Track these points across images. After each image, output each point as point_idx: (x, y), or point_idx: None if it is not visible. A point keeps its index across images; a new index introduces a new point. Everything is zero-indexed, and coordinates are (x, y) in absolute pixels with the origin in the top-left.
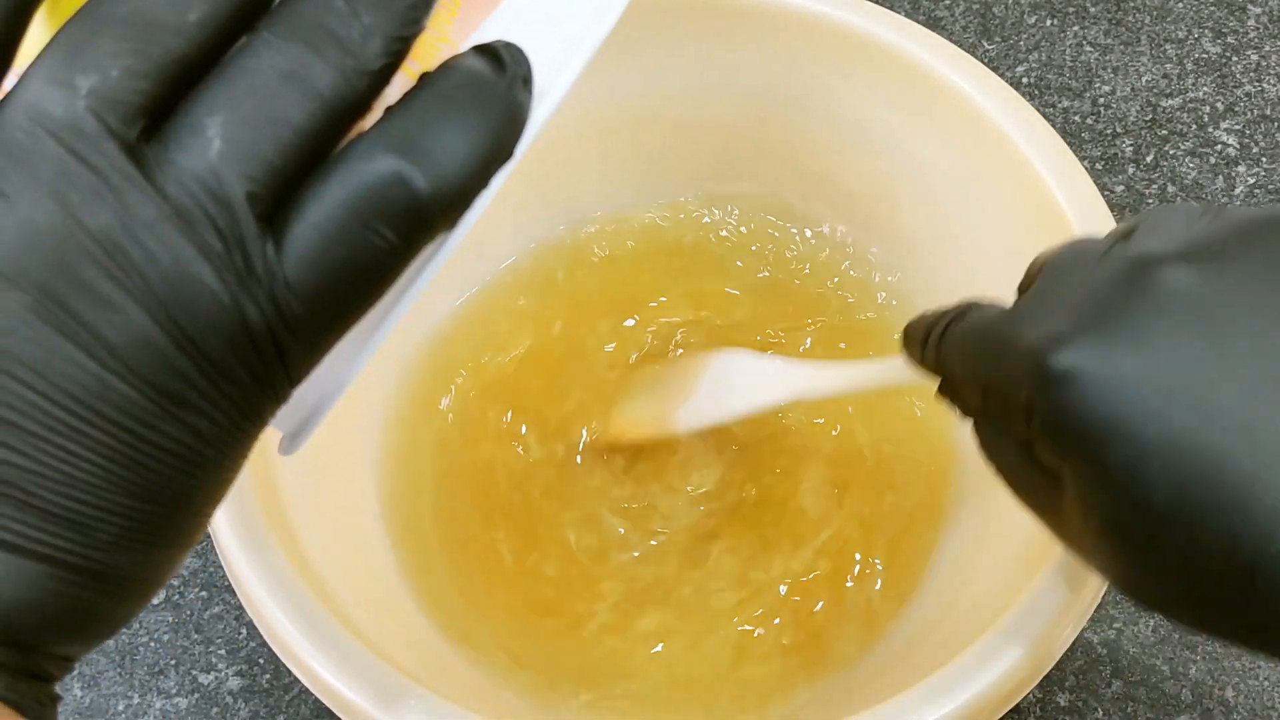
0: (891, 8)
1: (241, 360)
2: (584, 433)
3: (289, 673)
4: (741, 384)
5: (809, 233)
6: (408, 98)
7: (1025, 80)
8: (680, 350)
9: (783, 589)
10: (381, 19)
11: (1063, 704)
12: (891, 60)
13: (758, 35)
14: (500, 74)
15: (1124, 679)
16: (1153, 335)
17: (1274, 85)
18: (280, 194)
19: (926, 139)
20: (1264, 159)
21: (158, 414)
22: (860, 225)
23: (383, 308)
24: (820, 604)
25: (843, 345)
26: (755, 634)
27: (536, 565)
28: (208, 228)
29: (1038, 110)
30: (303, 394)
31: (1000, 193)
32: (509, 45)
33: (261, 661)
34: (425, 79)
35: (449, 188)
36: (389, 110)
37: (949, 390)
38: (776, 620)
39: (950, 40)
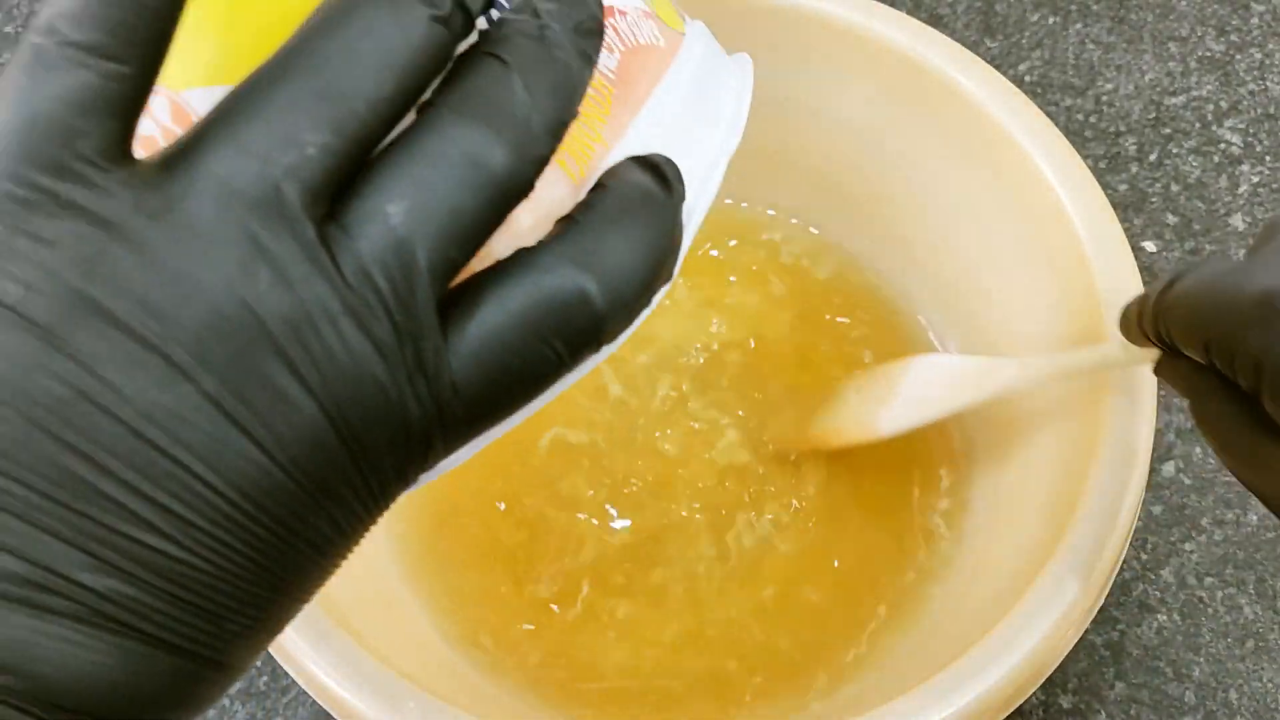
0: (893, 5)
1: (394, 456)
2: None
3: (286, 674)
4: (945, 384)
5: (813, 230)
6: (588, 210)
7: (1028, 78)
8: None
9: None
10: (553, 103)
11: (1065, 706)
12: (892, 58)
13: (756, 33)
14: (668, 194)
15: (1127, 681)
16: None
17: (1277, 84)
18: (449, 285)
19: (928, 138)
20: (1268, 157)
21: (310, 507)
22: (860, 225)
23: None
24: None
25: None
26: (760, 637)
27: (539, 565)
28: (384, 322)
29: (1040, 109)
30: None
31: (1002, 192)
32: (670, 163)
33: (258, 664)
34: (601, 192)
35: (623, 307)
36: (570, 221)
37: (1167, 366)
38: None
39: (952, 38)
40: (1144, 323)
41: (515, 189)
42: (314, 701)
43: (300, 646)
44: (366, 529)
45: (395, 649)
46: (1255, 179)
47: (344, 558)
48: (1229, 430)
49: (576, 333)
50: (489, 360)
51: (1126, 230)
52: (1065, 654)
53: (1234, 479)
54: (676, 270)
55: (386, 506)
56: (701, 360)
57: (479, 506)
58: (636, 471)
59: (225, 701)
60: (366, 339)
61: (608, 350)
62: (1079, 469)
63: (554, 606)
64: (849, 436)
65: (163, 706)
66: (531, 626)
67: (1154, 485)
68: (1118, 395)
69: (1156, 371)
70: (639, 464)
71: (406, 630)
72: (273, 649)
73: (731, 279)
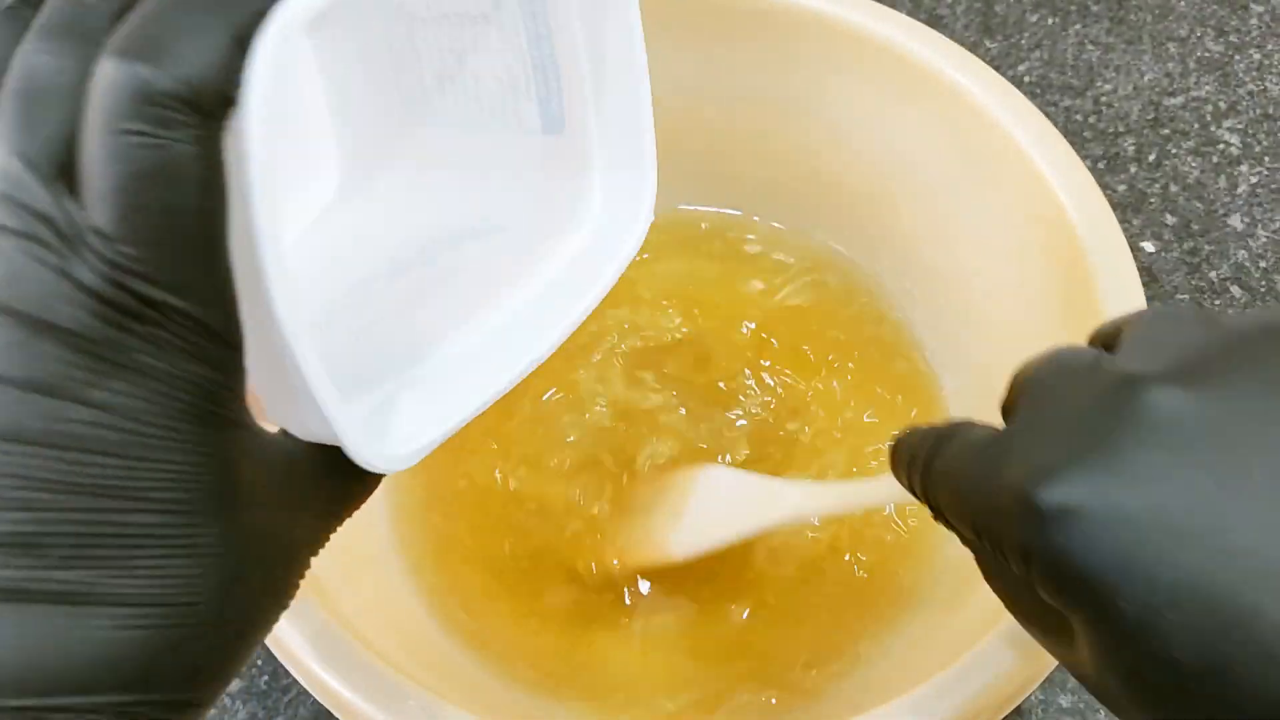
0: (893, 6)
1: (109, 322)
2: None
3: (287, 674)
4: (732, 507)
5: (808, 231)
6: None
7: (1027, 79)
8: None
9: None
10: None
11: (1065, 705)
12: (892, 59)
13: (756, 34)
14: None
15: None
16: (1151, 467)
17: (1276, 84)
18: (63, 149)
19: (927, 138)
20: (1266, 158)
21: (58, 408)
22: (857, 226)
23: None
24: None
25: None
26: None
27: (544, 565)
28: (17, 216)
29: (1039, 109)
30: (424, 418)
31: (1002, 192)
32: None
33: (259, 663)
34: None
35: (188, 67)
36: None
37: (943, 519)
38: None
39: (951, 39)
40: (914, 488)
41: (88, 40)
42: (315, 700)
43: (301, 645)
44: (194, 408)
45: (397, 647)
46: (1254, 179)
47: (192, 470)
48: (1013, 592)
49: (149, 110)
50: (105, 185)
51: (1125, 231)
52: None
53: None
54: (294, 23)
55: (227, 370)
56: (689, 366)
57: (483, 506)
58: (638, 479)
59: (226, 701)
60: (6, 234)
61: (251, 128)
62: None
63: (558, 606)
64: (640, 555)
65: (155, 665)
66: (535, 625)
67: None
68: None
69: (935, 519)
70: (641, 472)
71: (408, 628)
72: (273, 647)
73: (724, 282)
